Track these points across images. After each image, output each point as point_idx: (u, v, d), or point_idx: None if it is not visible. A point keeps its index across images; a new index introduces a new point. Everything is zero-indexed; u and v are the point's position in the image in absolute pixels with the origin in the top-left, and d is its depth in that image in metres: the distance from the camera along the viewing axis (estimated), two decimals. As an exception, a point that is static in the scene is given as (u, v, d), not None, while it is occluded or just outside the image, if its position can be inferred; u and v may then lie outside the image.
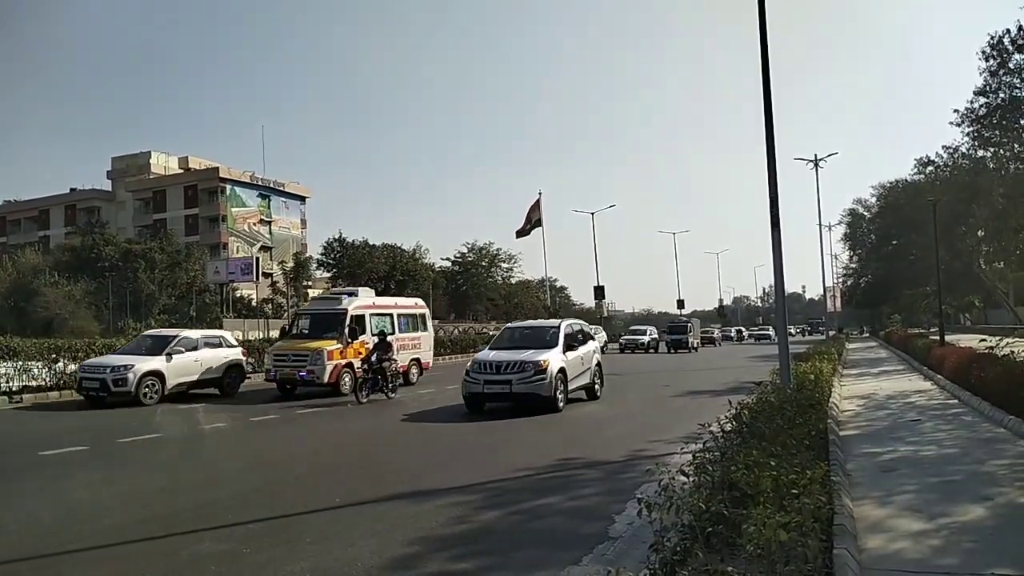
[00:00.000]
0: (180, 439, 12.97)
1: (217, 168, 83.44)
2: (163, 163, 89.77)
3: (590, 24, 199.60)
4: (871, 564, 4.86)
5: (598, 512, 7.13)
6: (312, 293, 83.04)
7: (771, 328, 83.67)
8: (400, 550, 5.94)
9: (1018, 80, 35.08)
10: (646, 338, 49.18)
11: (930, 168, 49.45)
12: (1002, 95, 35.78)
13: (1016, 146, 37.99)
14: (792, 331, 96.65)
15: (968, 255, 50.06)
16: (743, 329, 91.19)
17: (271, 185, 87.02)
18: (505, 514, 7.17)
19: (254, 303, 69.84)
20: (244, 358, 20.63)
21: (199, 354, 18.83)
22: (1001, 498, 6.64)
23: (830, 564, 4.10)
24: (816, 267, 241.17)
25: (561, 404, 15.08)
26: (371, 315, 20.78)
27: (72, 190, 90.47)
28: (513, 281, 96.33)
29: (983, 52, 35.45)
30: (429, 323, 24.72)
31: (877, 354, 35.59)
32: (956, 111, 38.49)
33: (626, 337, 51.39)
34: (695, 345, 51.33)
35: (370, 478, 8.94)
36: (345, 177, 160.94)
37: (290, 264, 75.41)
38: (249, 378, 20.99)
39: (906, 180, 57.14)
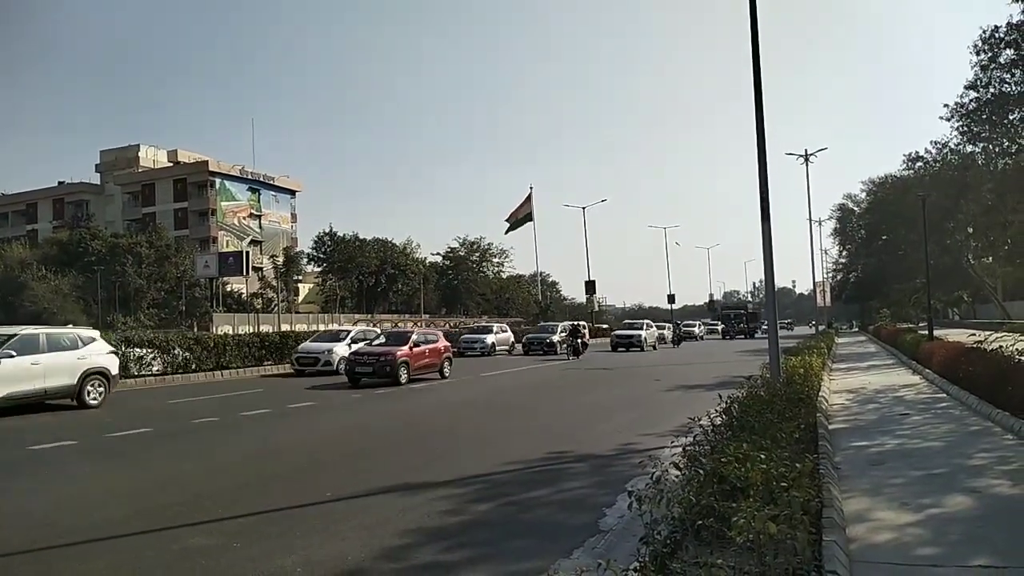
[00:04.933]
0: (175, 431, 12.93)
1: (207, 161, 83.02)
2: (152, 156, 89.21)
3: (581, 18, 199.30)
4: (859, 556, 4.89)
5: (588, 505, 7.15)
6: (302, 287, 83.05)
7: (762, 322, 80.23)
8: (390, 542, 5.94)
9: (1008, 75, 35.26)
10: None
11: (919, 164, 49.78)
12: (992, 90, 35.96)
13: (1005, 141, 38.22)
14: (696, 330, 65.12)
15: (957, 250, 50.40)
16: (580, 326, 39.16)
17: (261, 179, 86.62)
18: (495, 507, 7.18)
19: (244, 297, 69.61)
20: None
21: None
22: (987, 491, 6.69)
23: (819, 556, 4.12)
24: (806, 262, 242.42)
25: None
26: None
27: (60, 183, 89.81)
28: (504, 276, 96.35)
29: (975, 46, 35.62)
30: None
31: (866, 348, 35.77)
32: (946, 105, 38.74)
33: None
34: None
35: (361, 472, 8.92)
36: (336, 171, 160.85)
37: (280, 258, 75.16)
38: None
39: (895, 176, 57.52)
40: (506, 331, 42.05)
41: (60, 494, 7.90)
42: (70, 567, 5.51)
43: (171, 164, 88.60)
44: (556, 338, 38.00)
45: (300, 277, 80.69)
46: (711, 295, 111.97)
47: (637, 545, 3.96)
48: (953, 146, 43.00)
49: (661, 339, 50.65)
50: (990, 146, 39.73)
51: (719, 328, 72.98)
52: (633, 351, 41.37)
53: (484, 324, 46.81)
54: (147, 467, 9.47)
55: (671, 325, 55.75)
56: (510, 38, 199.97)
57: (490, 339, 38.47)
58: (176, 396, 17.79)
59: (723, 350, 42.20)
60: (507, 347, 39.82)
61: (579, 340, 35.19)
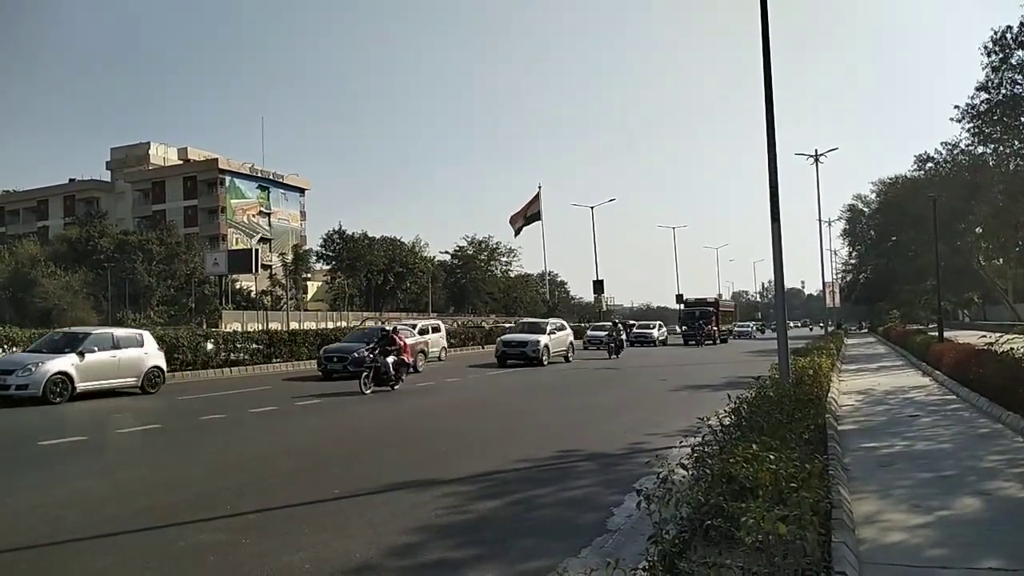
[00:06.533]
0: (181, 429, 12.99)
1: (216, 159, 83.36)
2: (162, 154, 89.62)
3: (589, 16, 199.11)
4: (869, 557, 4.87)
5: (596, 504, 7.13)
6: (311, 285, 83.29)
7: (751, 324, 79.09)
8: (397, 539, 5.95)
9: (1020, 76, 34.99)
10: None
11: (930, 164, 49.42)
12: (1004, 91, 35.69)
13: (1016, 143, 37.93)
14: (655, 333, 50.40)
15: (967, 252, 50.02)
16: (394, 333, 19.35)
17: (270, 177, 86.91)
18: (503, 505, 7.18)
19: (253, 295, 69.91)
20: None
21: None
22: (997, 493, 6.65)
23: (828, 557, 4.10)
24: (816, 263, 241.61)
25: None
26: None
27: (71, 180, 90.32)
28: (512, 275, 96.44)
29: (985, 47, 35.37)
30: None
31: (876, 350, 35.60)
32: (957, 107, 38.47)
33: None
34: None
35: (368, 470, 8.94)
36: (345, 169, 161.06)
37: (289, 256, 75.38)
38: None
39: (906, 176, 57.15)
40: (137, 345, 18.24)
41: (68, 490, 7.94)
42: (79, 563, 5.53)
43: (181, 162, 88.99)
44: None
45: (309, 275, 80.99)
46: (719, 295, 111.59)
47: (646, 544, 3.95)
48: (964, 147, 42.73)
49: (599, 343, 37.89)
50: (1001, 147, 39.45)
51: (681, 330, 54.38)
52: (533, 365, 27.48)
53: (78, 330, 18.72)
54: (156, 464, 9.51)
55: (610, 324, 38.05)
56: (519, 39, 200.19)
57: (55, 364, 16.04)
58: (185, 393, 17.87)
59: (677, 360, 32.27)
60: (136, 378, 17.72)
61: (390, 357, 18.41)
